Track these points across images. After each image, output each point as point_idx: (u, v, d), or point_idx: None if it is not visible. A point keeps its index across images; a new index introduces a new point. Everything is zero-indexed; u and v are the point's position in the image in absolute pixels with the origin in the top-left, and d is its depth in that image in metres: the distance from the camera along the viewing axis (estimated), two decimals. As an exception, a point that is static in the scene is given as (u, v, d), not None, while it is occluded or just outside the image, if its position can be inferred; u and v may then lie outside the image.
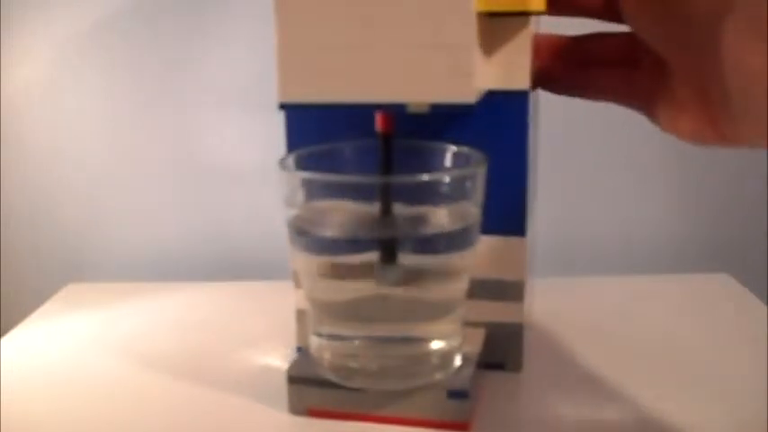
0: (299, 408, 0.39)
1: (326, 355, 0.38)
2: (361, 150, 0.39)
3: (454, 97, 0.33)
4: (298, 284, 0.42)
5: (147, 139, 0.64)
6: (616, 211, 0.65)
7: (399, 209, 0.36)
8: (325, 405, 0.38)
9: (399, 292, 0.37)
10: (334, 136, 0.39)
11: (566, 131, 0.60)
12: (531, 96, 0.40)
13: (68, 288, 0.59)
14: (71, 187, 0.65)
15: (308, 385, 0.38)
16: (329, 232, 0.36)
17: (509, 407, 0.40)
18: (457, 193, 0.36)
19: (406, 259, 0.36)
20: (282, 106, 0.34)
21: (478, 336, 0.41)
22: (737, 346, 0.46)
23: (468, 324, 0.40)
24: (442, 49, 0.32)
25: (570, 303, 0.52)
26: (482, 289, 0.41)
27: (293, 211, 0.37)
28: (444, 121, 0.40)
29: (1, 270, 0.66)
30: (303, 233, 0.37)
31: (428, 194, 0.35)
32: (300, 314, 0.44)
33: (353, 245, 0.37)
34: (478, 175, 0.36)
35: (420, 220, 0.36)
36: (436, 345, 0.38)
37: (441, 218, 0.36)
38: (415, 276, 0.37)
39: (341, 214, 0.36)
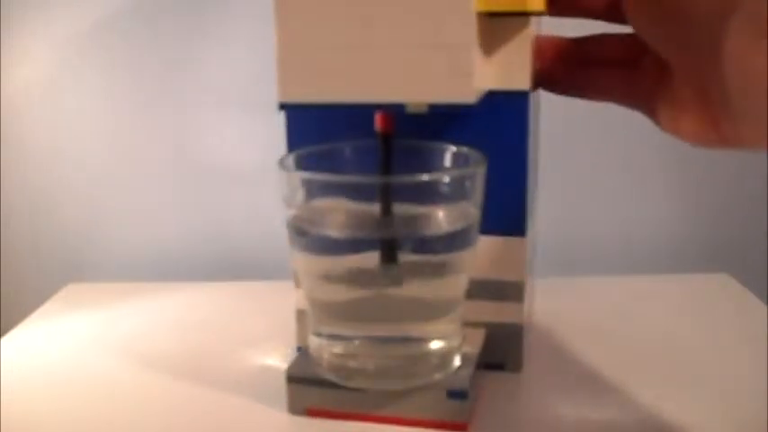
0: (299, 407, 0.39)
1: (326, 355, 0.38)
2: (361, 150, 0.39)
3: (454, 97, 0.33)
4: (298, 284, 0.42)
5: (147, 139, 0.64)
6: (616, 211, 0.65)
7: (399, 209, 0.36)
8: (325, 405, 0.38)
9: (399, 292, 0.37)
10: (334, 136, 0.39)
11: (566, 131, 0.60)
12: (531, 96, 0.40)
13: (68, 288, 0.59)
14: (71, 187, 0.65)
15: (307, 385, 0.38)
16: (329, 232, 0.36)
17: (509, 407, 0.40)
18: (456, 193, 0.36)
19: (406, 259, 0.36)
20: (282, 106, 0.34)
21: (478, 336, 0.41)
22: (737, 346, 0.46)
23: (468, 324, 0.40)
24: (441, 49, 0.32)
25: (570, 303, 0.52)
26: (482, 289, 0.41)
27: (293, 211, 0.37)
28: (444, 122, 0.40)
29: (1, 270, 0.66)
30: (303, 233, 0.37)
31: (428, 194, 0.35)
32: (300, 314, 0.44)
33: (353, 245, 0.37)
34: (478, 175, 0.36)
35: (420, 220, 0.36)
36: (436, 345, 0.38)
37: (440, 218, 0.36)
38: (414, 276, 0.37)
39: (341, 214, 0.36)
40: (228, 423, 0.39)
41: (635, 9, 0.33)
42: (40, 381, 0.44)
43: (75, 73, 0.62)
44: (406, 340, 0.38)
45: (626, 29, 0.35)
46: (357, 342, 0.38)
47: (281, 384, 0.39)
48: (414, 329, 0.38)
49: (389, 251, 0.36)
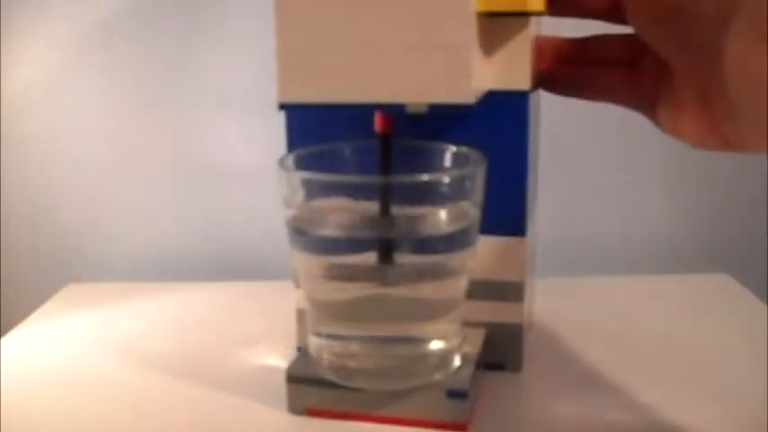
0: (299, 407, 0.39)
1: (326, 355, 0.38)
2: (360, 150, 0.39)
3: (453, 97, 0.33)
4: (298, 284, 0.42)
5: (147, 139, 0.64)
6: (616, 211, 0.65)
7: (399, 209, 0.36)
8: (325, 405, 0.38)
9: (399, 292, 0.37)
10: (334, 136, 0.39)
11: (566, 131, 0.60)
12: (531, 96, 0.40)
13: (68, 288, 0.59)
14: (71, 187, 0.65)
15: (307, 385, 0.38)
16: (328, 232, 0.36)
17: (509, 407, 0.40)
18: (456, 193, 0.36)
19: (406, 259, 0.36)
20: (282, 106, 0.34)
21: (478, 336, 0.41)
22: (737, 346, 0.46)
23: (468, 324, 0.40)
24: (441, 49, 0.32)
25: (570, 303, 0.52)
26: (482, 289, 0.41)
27: (293, 211, 0.37)
28: (444, 122, 0.40)
29: (1, 270, 0.66)
30: (303, 233, 0.37)
31: (427, 194, 0.35)
32: (300, 314, 0.44)
33: (353, 245, 0.37)
34: (478, 175, 0.36)
35: (419, 220, 0.36)
36: (435, 345, 0.38)
37: (440, 218, 0.36)
38: (414, 276, 0.37)
39: (340, 214, 0.36)
40: (228, 423, 0.39)
41: (635, 9, 0.33)
42: (39, 381, 0.44)
43: (75, 73, 0.62)
44: (406, 340, 0.38)
45: (626, 29, 0.35)
46: (357, 342, 0.38)
47: (281, 384, 0.39)
48: (414, 329, 0.38)
49: (389, 251, 0.36)
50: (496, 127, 0.39)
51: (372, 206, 0.36)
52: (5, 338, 0.50)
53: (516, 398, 0.41)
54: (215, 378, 0.43)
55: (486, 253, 0.41)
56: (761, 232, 0.64)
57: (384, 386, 0.37)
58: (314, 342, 0.39)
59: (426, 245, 0.36)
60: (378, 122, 0.37)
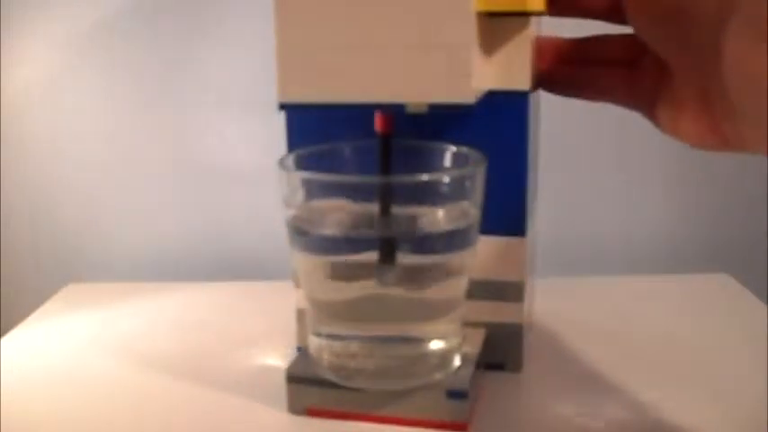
0: (299, 407, 0.39)
1: (326, 355, 0.38)
2: (360, 150, 0.39)
3: (453, 97, 0.33)
4: (298, 284, 0.42)
5: (147, 139, 0.64)
6: (616, 211, 0.65)
7: (399, 209, 0.36)
8: (325, 405, 0.38)
9: (398, 292, 0.37)
10: (334, 136, 0.39)
11: (566, 131, 0.60)
12: (531, 96, 0.40)
13: (68, 288, 0.59)
14: (71, 187, 0.65)
15: (307, 385, 0.38)
16: (328, 232, 0.36)
17: (509, 407, 0.40)
18: (456, 193, 0.36)
19: (406, 259, 0.36)
20: (282, 106, 0.34)
21: (478, 336, 0.41)
22: (737, 346, 0.46)
23: (468, 324, 0.40)
24: (441, 49, 0.32)
25: (570, 303, 0.52)
26: (482, 289, 0.41)
27: (293, 211, 0.37)
28: (444, 122, 0.40)
29: (1, 270, 0.66)
30: (303, 233, 0.37)
31: (427, 194, 0.35)
32: (300, 314, 0.44)
33: (353, 245, 0.37)
34: (478, 175, 0.36)
35: (420, 220, 0.36)
36: (435, 345, 0.38)
37: (440, 218, 0.36)
38: (414, 276, 0.37)
39: (340, 214, 0.36)
40: (228, 423, 0.39)
41: (635, 9, 0.33)
42: (39, 381, 0.44)
43: (75, 73, 0.62)
44: (406, 340, 0.38)
45: (626, 29, 0.35)
46: (357, 342, 0.38)
47: (281, 384, 0.39)
48: (414, 329, 0.38)
49: (389, 251, 0.36)
50: (496, 127, 0.39)
51: (372, 206, 0.36)
52: (5, 338, 0.50)
53: (516, 398, 0.41)
54: (215, 378, 0.43)
55: (486, 253, 0.41)
56: (761, 232, 0.64)
57: (384, 386, 0.37)
58: (314, 342, 0.39)
59: (426, 245, 0.36)
60: (378, 122, 0.37)
